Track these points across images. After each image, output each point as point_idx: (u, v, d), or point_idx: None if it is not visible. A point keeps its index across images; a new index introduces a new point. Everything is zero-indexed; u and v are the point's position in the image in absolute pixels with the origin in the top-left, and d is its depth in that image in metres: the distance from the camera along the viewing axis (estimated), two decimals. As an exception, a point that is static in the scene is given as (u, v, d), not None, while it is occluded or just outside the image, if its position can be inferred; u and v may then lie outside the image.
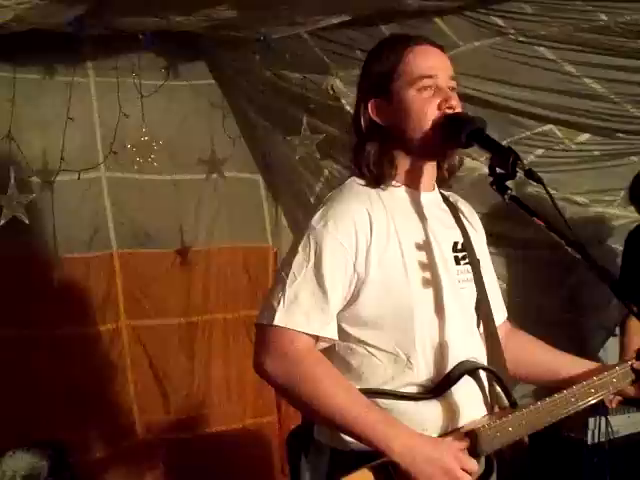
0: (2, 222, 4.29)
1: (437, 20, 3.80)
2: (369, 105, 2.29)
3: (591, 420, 3.97)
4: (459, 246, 2.34)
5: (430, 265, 2.23)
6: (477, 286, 2.33)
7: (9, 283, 4.57)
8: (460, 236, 2.36)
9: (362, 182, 2.30)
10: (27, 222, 4.35)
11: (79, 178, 4.64)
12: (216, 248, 5.32)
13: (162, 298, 5.15)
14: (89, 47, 4.63)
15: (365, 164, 2.28)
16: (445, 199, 2.43)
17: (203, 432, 5.18)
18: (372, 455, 2.07)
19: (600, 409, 3.92)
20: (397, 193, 2.29)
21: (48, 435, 4.40)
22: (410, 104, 2.24)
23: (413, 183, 2.31)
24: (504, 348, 2.36)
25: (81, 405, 4.71)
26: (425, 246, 2.25)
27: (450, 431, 2.19)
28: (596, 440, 3.98)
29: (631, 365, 2.41)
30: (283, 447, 4.93)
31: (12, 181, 4.31)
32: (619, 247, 4.80)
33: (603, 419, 3.93)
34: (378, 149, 2.28)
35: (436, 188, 2.40)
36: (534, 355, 2.57)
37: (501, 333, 2.41)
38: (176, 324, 5.18)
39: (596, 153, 4.38)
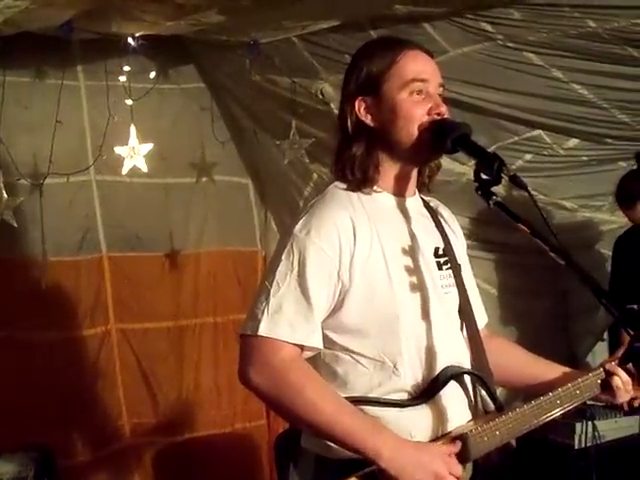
0: (-10, 225, 4.29)
1: (426, 26, 3.80)
2: (356, 103, 2.27)
3: (578, 425, 3.96)
4: (440, 251, 2.33)
5: (414, 271, 2.23)
6: (459, 291, 2.33)
7: (-3, 286, 4.56)
8: (441, 241, 2.35)
9: (344, 186, 2.28)
10: (15, 225, 4.36)
11: (68, 181, 4.66)
12: (205, 252, 5.32)
13: (151, 302, 5.15)
14: (79, 50, 4.63)
15: (349, 166, 2.26)
16: (426, 204, 2.42)
17: (192, 436, 5.18)
18: (358, 462, 2.06)
19: (587, 414, 3.92)
20: (379, 198, 2.28)
21: (36, 438, 4.38)
22: (399, 106, 2.23)
23: (395, 188, 2.30)
24: None
25: (69, 408, 4.70)
26: (408, 252, 2.24)
27: (438, 437, 2.18)
28: (583, 445, 3.97)
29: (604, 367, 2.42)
30: (272, 451, 4.94)
31: (0, 184, 4.31)
32: (608, 252, 4.83)
33: (590, 424, 3.93)
34: (364, 151, 2.26)
35: (417, 193, 2.39)
36: (513, 360, 2.56)
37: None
38: (165, 328, 5.18)
39: (584, 158, 4.40)
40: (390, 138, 2.25)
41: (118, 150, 4.60)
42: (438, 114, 2.23)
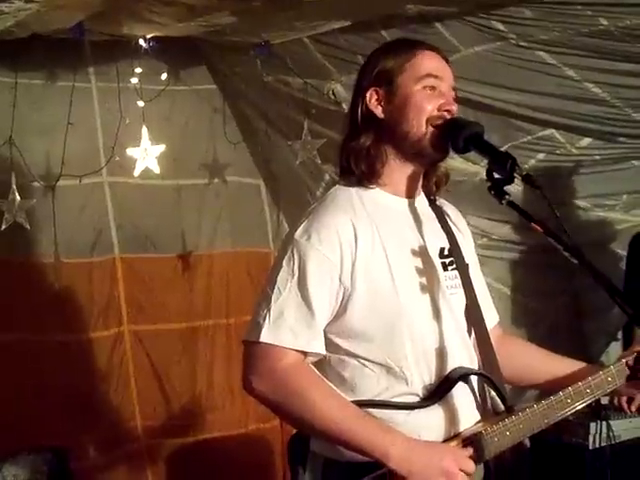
0: (3, 227, 4.30)
1: (438, 25, 3.79)
2: (368, 94, 2.28)
3: (592, 425, 3.95)
4: (445, 252, 2.32)
5: (418, 272, 2.22)
6: (466, 291, 2.31)
7: (10, 288, 4.57)
8: (447, 242, 2.34)
9: (346, 183, 2.28)
10: (28, 227, 4.36)
11: (80, 183, 4.67)
12: (218, 253, 5.31)
13: (164, 303, 5.15)
14: (91, 52, 4.63)
15: (355, 157, 2.26)
16: (431, 204, 2.40)
17: (205, 437, 5.18)
18: (366, 465, 2.06)
19: (602, 414, 3.90)
20: (382, 199, 2.27)
21: (49, 440, 4.39)
22: (412, 97, 2.23)
23: (399, 188, 2.30)
24: (496, 353, 2.35)
25: (83, 410, 4.71)
26: (412, 253, 2.23)
27: (449, 438, 2.18)
28: (597, 445, 3.96)
29: (627, 362, 2.39)
30: (285, 453, 4.93)
31: (13, 186, 4.31)
32: (622, 252, 4.79)
33: (604, 424, 3.91)
34: (372, 143, 2.25)
35: (422, 194, 2.38)
36: (527, 358, 2.54)
37: (493, 338, 2.38)
38: (178, 329, 5.18)
39: (597, 157, 4.37)
40: (398, 130, 2.25)
41: (130, 152, 4.60)
42: (448, 111, 2.23)
